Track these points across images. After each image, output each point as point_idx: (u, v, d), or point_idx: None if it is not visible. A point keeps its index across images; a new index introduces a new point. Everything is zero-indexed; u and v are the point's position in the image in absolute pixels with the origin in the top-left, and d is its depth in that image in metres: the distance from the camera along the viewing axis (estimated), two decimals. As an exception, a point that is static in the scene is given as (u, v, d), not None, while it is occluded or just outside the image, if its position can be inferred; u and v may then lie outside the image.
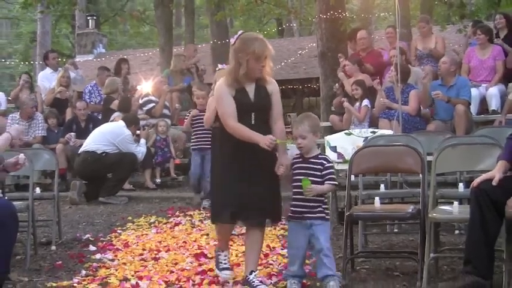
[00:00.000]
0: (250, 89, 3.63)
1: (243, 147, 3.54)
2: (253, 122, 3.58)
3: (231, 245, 4.74)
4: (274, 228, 4.97)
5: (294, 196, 3.55)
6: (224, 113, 3.61)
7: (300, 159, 3.57)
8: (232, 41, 3.64)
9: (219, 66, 5.25)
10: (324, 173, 3.50)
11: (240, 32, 3.69)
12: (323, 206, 3.54)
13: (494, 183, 3.39)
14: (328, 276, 3.44)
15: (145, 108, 8.65)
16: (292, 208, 3.56)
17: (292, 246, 3.57)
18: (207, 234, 5.17)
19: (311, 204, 3.49)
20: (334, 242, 4.64)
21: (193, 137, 6.50)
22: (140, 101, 8.74)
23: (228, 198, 3.57)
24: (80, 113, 8.59)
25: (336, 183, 3.58)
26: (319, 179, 3.48)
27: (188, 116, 6.50)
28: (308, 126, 3.52)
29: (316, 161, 3.52)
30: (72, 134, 8.30)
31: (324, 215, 3.54)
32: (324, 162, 3.53)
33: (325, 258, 3.46)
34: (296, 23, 20.87)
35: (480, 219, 3.36)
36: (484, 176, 3.48)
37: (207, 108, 5.21)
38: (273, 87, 3.67)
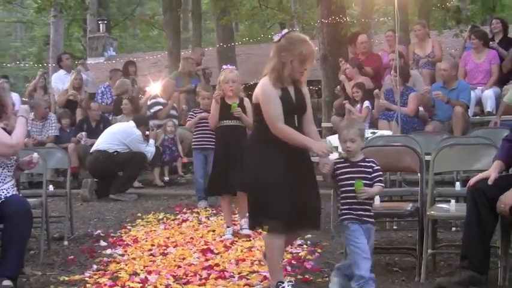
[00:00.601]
0: (291, 90, 3.47)
1: (290, 151, 3.35)
2: (297, 124, 3.43)
3: (236, 241, 4.83)
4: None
5: (347, 200, 3.42)
6: (272, 115, 3.36)
7: (347, 164, 3.46)
8: (276, 38, 3.45)
9: (224, 66, 5.39)
10: (373, 175, 3.43)
11: (285, 31, 3.50)
12: (371, 210, 3.49)
13: (490, 182, 3.48)
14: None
15: (152, 110, 8.74)
16: (347, 210, 3.41)
17: (360, 249, 3.34)
18: (214, 231, 5.27)
19: (366, 207, 3.42)
20: (335, 239, 4.76)
21: (195, 136, 6.46)
22: (148, 103, 8.88)
23: (283, 207, 3.30)
24: (93, 114, 8.74)
25: (383, 185, 3.55)
26: (369, 182, 3.41)
27: (191, 114, 6.48)
28: (358, 129, 3.46)
29: (366, 164, 3.45)
30: (83, 133, 8.45)
31: (373, 219, 3.49)
32: (373, 165, 3.46)
33: None
34: (299, 27, 20.86)
35: (476, 216, 3.45)
36: (480, 175, 3.57)
37: (211, 108, 5.34)
38: (306, 90, 3.56)
